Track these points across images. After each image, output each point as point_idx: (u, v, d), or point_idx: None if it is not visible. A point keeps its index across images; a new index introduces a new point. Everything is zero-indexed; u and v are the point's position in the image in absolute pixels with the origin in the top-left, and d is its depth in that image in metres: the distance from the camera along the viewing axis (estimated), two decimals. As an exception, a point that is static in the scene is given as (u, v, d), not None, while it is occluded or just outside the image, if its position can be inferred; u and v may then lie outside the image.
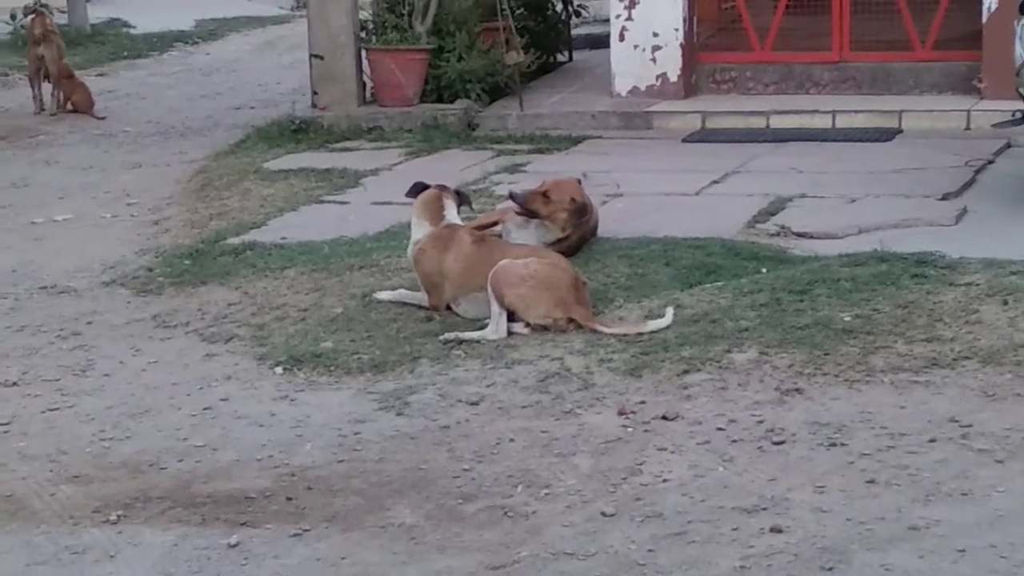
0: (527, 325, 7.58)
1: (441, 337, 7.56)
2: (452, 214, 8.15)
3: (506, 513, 5.73)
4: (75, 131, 14.70)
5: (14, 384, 7.51)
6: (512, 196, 8.61)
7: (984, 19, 12.31)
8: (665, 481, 5.91)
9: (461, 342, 7.51)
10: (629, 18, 13.12)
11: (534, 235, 8.51)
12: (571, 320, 7.53)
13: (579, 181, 8.87)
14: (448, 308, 7.99)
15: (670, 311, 7.47)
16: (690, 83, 13.24)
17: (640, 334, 7.35)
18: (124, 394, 7.28)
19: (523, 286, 7.57)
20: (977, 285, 7.55)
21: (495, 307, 7.58)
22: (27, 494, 6.17)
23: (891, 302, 7.44)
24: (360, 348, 7.58)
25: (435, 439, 6.47)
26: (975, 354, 6.87)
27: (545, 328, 7.54)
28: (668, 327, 7.38)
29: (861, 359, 6.91)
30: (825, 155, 11.20)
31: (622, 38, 13.19)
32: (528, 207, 8.48)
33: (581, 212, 8.48)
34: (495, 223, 8.95)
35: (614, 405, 6.67)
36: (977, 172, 10.34)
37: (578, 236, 8.59)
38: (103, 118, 15.21)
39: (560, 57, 15.60)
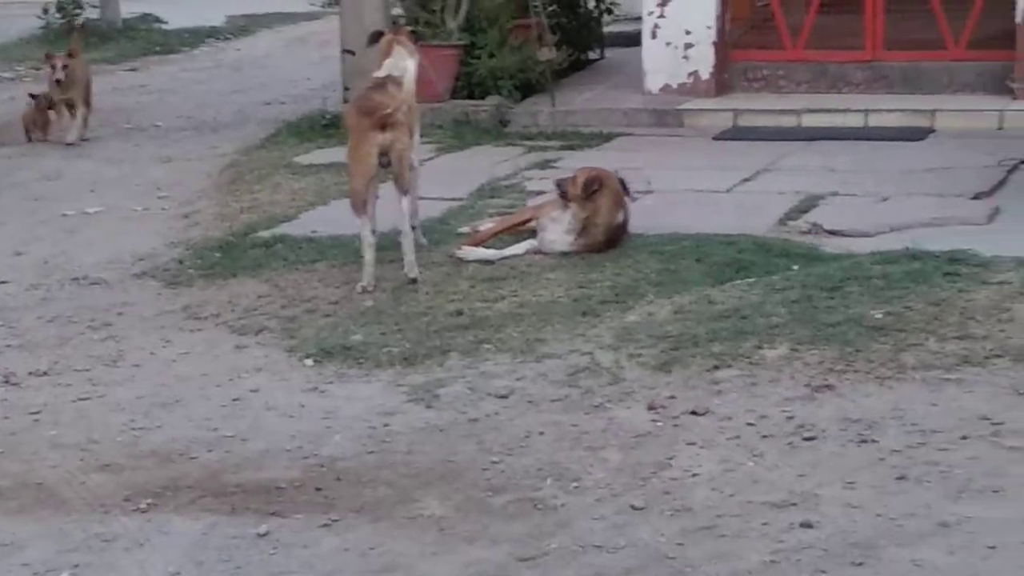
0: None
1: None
2: (398, 62, 8.39)
3: (535, 505, 5.72)
4: (106, 125, 14.72)
5: (45, 374, 7.54)
6: (556, 183, 8.96)
7: (1018, 19, 12.23)
8: (694, 475, 5.89)
9: None
10: (661, 15, 13.09)
11: (564, 227, 8.61)
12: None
13: (619, 178, 8.85)
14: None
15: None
16: (722, 81, 13.20)
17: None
18: (154, 384, 7.30)
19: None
20: (1010, 284, 7.51)
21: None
22: (58, 482, 6.20)
23: (923, 300, 7.41)
24: (390, 341, 7.58)
25: (464, 432, 6.46)
26: (1007, 352, 6.83)
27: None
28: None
29: (893, 356, 6.88)
30: (857, 154, 11.15)
31: (654, 35, 13.16)
32: (562, 189, 8.77)
33: (589, 183, 8.59)
34: (527, 220, 8.99)
35: (644, 400, 6.65)
36: (1010, 172, 10.28)
37: (604, 229, 8.60)
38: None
39: (592, 55, 15.55)
